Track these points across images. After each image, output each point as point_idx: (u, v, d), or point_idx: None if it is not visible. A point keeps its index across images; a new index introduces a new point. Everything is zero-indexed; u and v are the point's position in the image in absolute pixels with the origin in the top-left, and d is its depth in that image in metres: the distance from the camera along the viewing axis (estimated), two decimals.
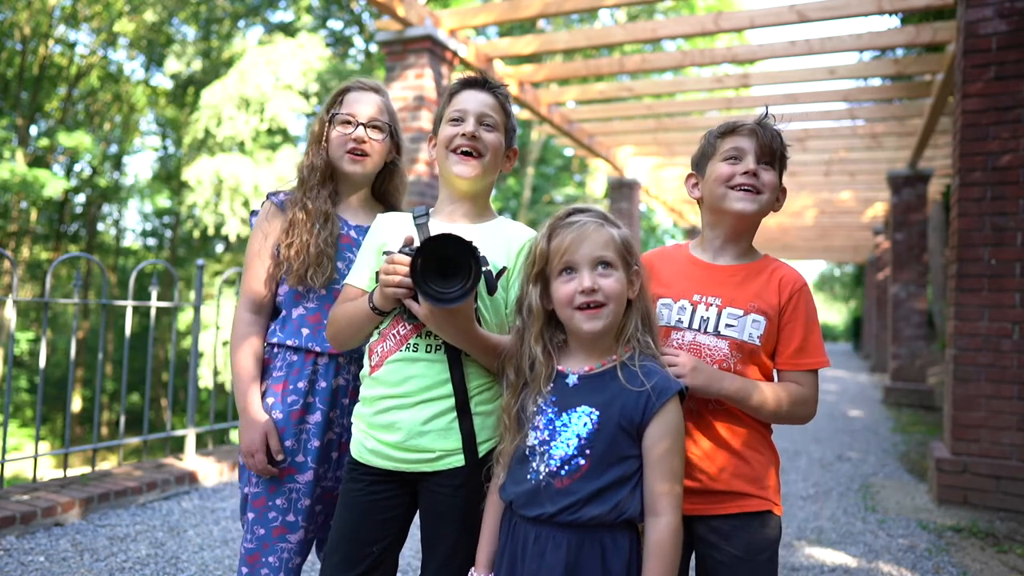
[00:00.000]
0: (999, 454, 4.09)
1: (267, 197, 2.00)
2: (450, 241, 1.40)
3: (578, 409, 1.38)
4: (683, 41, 16.34)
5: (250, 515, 1.85)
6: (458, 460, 1.55)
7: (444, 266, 1.41)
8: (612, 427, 1.35)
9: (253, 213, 2.04)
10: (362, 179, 1.99)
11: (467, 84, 1.72)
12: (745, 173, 1.59)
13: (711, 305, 1.59)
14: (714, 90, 7.94)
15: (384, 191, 2.07)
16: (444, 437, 1.55)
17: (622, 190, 10.31)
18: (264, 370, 1.92)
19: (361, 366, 1.87)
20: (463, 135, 1.64)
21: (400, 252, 1.50)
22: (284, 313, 1.92)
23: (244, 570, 1.84)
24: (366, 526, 1.59)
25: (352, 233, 1.93)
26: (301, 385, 1.85)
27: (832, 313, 47.36)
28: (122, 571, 2.98)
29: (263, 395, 1.89)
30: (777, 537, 1.58)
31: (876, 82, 10.30)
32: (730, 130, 1.65)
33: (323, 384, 1.86)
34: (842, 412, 8.56)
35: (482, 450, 1.56)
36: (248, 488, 1.87)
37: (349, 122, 1.93)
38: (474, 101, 1.68)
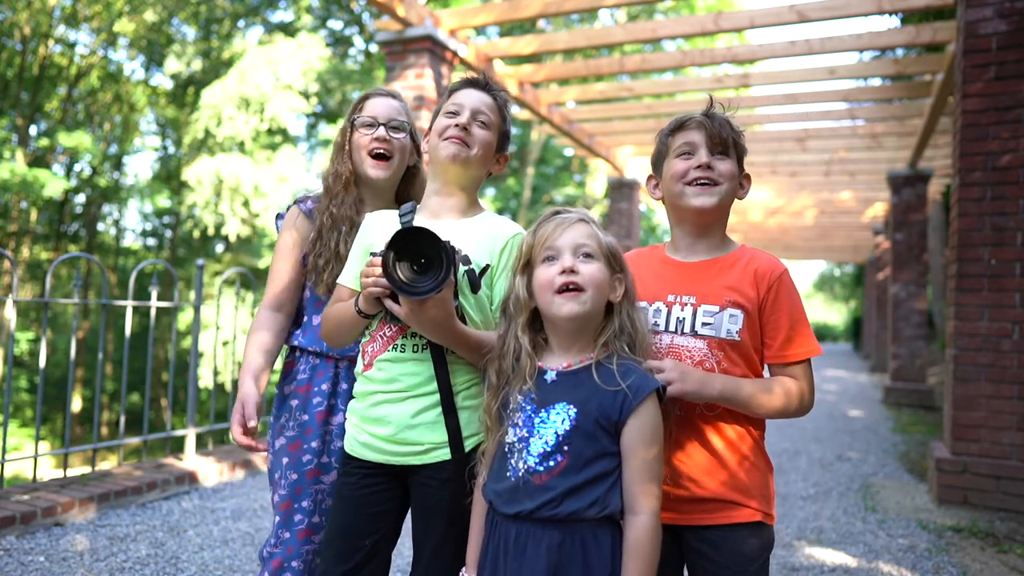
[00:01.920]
0: (999, 454, 4.09)
1: (294, 203, 2.03)
2: (419, 233, 1.41)
3: (556, 406, 1.38)
4: (683, 41, 16.33)
5: (276, 518, 1.88)
6: (445, 454, 1.57)
7: (418, 261, 1.43)
8: (590, 424, 1.35)
9: (279, 216, 2.07)
10: (386, 183, 2.00)
11: (468, 83, 1.74)
12: (699, 167, 1.57)
13: (686, 304, 1.56)
14: (714, 90, 7.92)
15: (406, 196, 2.09)
16: (432, 430, 1.57)
17: (622, 190, 10.31)
18: (288, 373, 1.97)
19: None
20: (456, 125, 1.66)
21: (380, 254, 1.52)
22: (305, 319, 1.96)
23: (266, 574, 1.86)
24: (360, 519, 1.61)
25: None
26: (325, 387, 1.90)
27: (832, 313, 47.37)
28: (122, 571, 2.98)
29: (288, 397, 1.94)
30: (768, 547, 1.55)
31: (876, 82, 10.30)
32: (679, 126, 1.63)
33: (344, 386, 1.90)
34: (842, 412, 8.56)
35: (469, 444, 1.58)
36: (276, 493, 1.90)
37: (371, 124, 1.96)
38: (472, 98, 1.70)
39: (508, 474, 1.40)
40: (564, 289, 1.38)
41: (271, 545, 1.87)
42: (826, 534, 3.77)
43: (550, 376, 1.42)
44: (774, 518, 1.58)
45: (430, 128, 1.76)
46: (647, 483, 1.34)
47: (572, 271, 1.38)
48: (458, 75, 1.77)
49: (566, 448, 1.35)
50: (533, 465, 1.36)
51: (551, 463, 1.35)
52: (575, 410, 1.36)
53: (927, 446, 5.39)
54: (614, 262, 1.44)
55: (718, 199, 1.57)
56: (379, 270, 1.47)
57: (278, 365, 2.07)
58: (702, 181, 1.57)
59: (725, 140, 1.59)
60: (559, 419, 1.37)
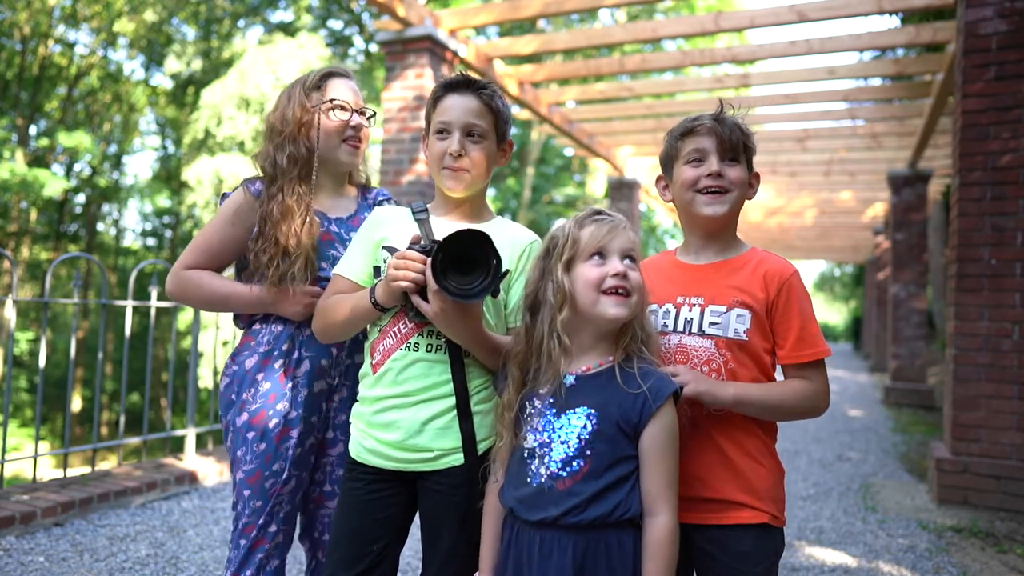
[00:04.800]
0: (999, 454, 4.09)
1: (243, 183, 1.89)
2: (470, 237, 1.40)
3: (577, 410, 1.38)
4: (683, 41, 16.34)
5: (245, 492, 1.82)
6: (456, 459, 1.56)
7: (459, 262, 1.41)
8: (611, 428, 1.36)
9: (223, 196, 1.93)
10: (351, 168, 1.94)
11: (450, 87, 1.65)
12: (710, 175, 1.57)
13: (694, 305, 1.56)
14: (714, 90, 7.93)
15: (352, 174, 2.03)
16: (442, 436, 1.56)
17: (622, 190, 10.31)
18: (245, 347, 1.88)
19: (342, 344, 1.86)
20: (450, 154, 1.61)
21: (410, 249, 1.49)
22: None
23: (242, 542, 1.82)
24: (366, 525, 1.59)
25: (333, 228, 1.88)
26: (285, 346, 1.83)
27: (832, 313, 47.37)
28: (122, 571, 2.98)
29: (249, 372, 1.84)
30: (777, 549, 1.55)
31: (876, 82, 10.30)
32: (689, 130, 1.61)
33: (308, 332, 1.83)
34: (842, 412, 8.55)
35: (480, 448, 1.57)
36: (240, 469, 1.83)
37: (342, 108, 1.87)
38: (458, 110, 1.63)
39: (529, 479, 1.39)
40: (613, 292, 1.38)
41: (245, 516, 1.81)
42: (826, 534, 3.77)
43: (569, 380, 1.41)
44: (783, 521, 1.56)
45: (426, 134, 1.72)
46: (665, 485, 1.35)
47: (624, 276, 1.38)
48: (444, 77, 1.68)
49: (588, 453, 1.35)
50: (556, 470, 1.36)
51: (574, 468, 1.35)
52: (596, 415, 1.36)
53: (927, 446, 5.39)
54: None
55: (728, 207, 1.58)
56: (415, 265, 1.45)
57: (227, 335, 1.94)
58: (712, 189, 1.57)
59: (736, 145, 1.58)
60: (580, 423, 1.37)
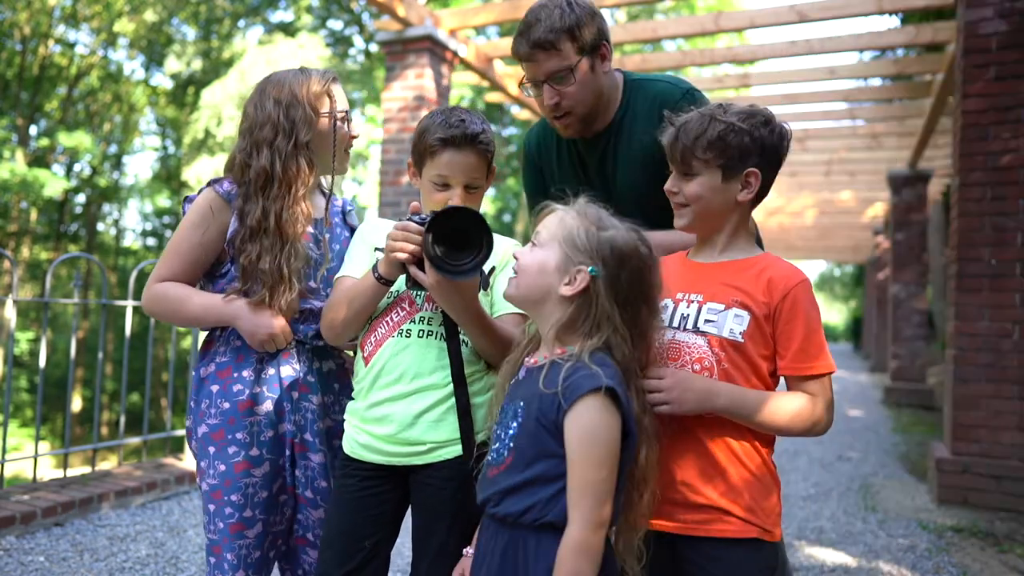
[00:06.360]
0: (999, 454, 4.09)
1: (208, 184, 1.77)
2: (462, 214, 1.43)
3: (515, 402, 1.38)
4: (683, 41, 16.33)
5: (210, 507, 1.76)
6: (449, 452, 1.56)
7: (452, 239, 1.44)
8: (532, 423, 1.31)
9: (187, 199, 1.80)
10: (342, 174, 1.93)
11: (448, 143, 1.62)
12: (672, 193, 1.60)
13: (692, 302, 1.53)
14: (714, 90, 7.92)
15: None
16: (435, 429, 1.56)
17: None
18: (206, 354, 1.79)
19: (311, 358, 1.81)
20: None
21: (409, 220, 1.52)
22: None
23: (212, 559, 1.78)
24: (359, 522, 1.60)
25: (310, 229, 1.82)
26: (247, 374, 1.74)
27: (832, 313, 47.38)
28: (122, 571, 2.98)
29: (206, 381, 1.76)
30: (770, 564, 1.47)
31: (876, 82, 10.29)
32: None
33: (272, 372, 1.76)
34: (842, 412, 8.55)
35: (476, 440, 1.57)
36: (204, 481, 1.77)
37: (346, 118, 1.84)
38: (458, 168, 1.63)
39: (484, 463, 1.43)
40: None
41: (210, 532, 1.76)
42: (826, 534, 3.77)
43: (521, 372, 1.42)
44: (776, 535, 1.48)
45: (415, 164, 1.71)
46: (580, 494, 1.23)
47: (516, 258, 1.41)
48: (438, 125, 1.66)
49: (512, 446, 1.34)
50: (492, 458, 1.38)
51: (501, 458, 1.35)
52: (523, 407, 1.34)
53: (927, 446, 5.39)
54: (577, 252, 1.33)
55: (687, 220, 1.57)
56: (412, 236, 1.48)
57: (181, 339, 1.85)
58: (676, 203, 1.60)
59: (685, 159, 1.54)
60: (512, 415, 1.36)
